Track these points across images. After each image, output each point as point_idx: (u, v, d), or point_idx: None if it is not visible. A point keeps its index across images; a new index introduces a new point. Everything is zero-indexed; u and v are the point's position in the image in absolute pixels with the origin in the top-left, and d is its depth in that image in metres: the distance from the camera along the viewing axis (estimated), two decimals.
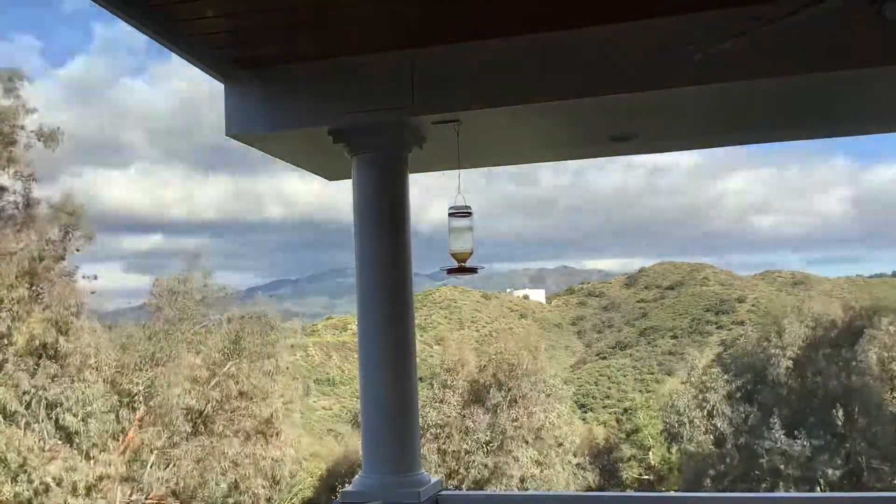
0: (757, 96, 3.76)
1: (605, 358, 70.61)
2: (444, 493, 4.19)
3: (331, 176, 4.96)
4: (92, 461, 17.20)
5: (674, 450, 33.13)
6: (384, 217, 4.02)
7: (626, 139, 4.29)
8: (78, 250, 18.18)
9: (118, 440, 18.56)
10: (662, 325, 72.08)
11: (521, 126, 4.11)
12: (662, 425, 34.60)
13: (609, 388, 64.25)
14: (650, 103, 3.72)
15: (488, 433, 25.96)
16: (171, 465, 19.22)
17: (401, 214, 4.03)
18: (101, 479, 16.98)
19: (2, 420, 15.95)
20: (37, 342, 16.68)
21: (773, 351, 27.76)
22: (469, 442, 25.67)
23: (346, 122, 3.88)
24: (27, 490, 15.46)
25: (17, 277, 16.32)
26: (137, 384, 18.72)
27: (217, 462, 19.81)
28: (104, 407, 17.63)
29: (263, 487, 21.03)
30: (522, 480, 25.99)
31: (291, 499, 25.72)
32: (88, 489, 16.77)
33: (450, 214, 3.88)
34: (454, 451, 25.76)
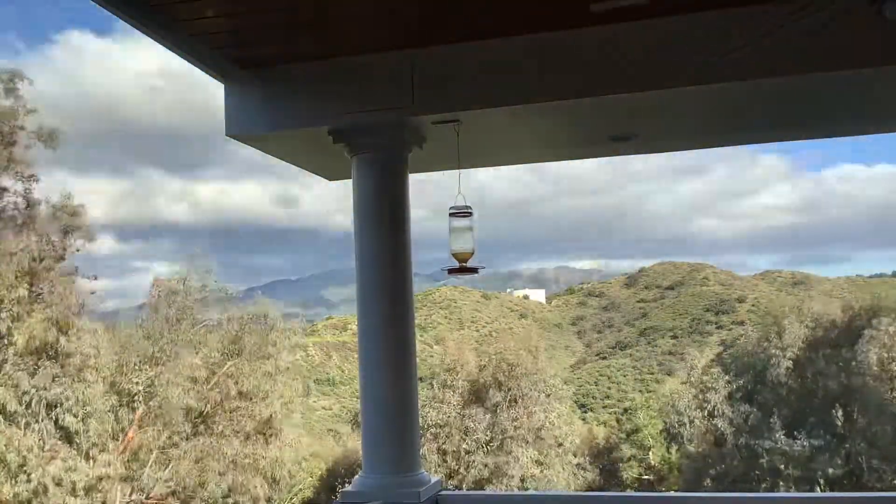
0: (757, 96, 3.76)
1: (605, 358, 70.64)
2: (444, 493, 4.19)
3: (331, 176, 4.96)
4: (92, 461, 17.20)
5: (674, 450, 33.15)
6: (384, 217, 4.02)
7: (626, 139, 4.30)
8: (78, 250, 18.19)
9: (118, 440, 18.56)
10: (662, 325, 72.11)
11: (521, 126, 4.10)
12: (662, 425, 34.63)
13: (609, 388, 64.28)
14: (650, 103, 3.72)
15: (488, 433, 25.97)
16: (170, 465, 19.23)
17: (401, 214, 4.03)
18: (100, 479, 16.98)
19: (2, 420, 15.95)
20: (37, 342, 16.67)
21: (773, 351, 27.78)
22: (469, 442, 25.68)
23: (346, 122, 3.88)
24: (27, 490, 15.46)
25: (17, 277, 16.31)
26: (137, 384, 18.72)
27: (217, 462, 19.81)
28: (104, 407, 17.63)
29: (263, 487, 21.04)
30: (522, 480, 25.99)
31: (291, 499, 25.73)
32: (88, 489, 16.77)
33: (450, 214, 3.88)
34: (454, 450, 25.77)
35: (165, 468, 19.18)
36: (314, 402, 51.90)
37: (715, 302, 71.81)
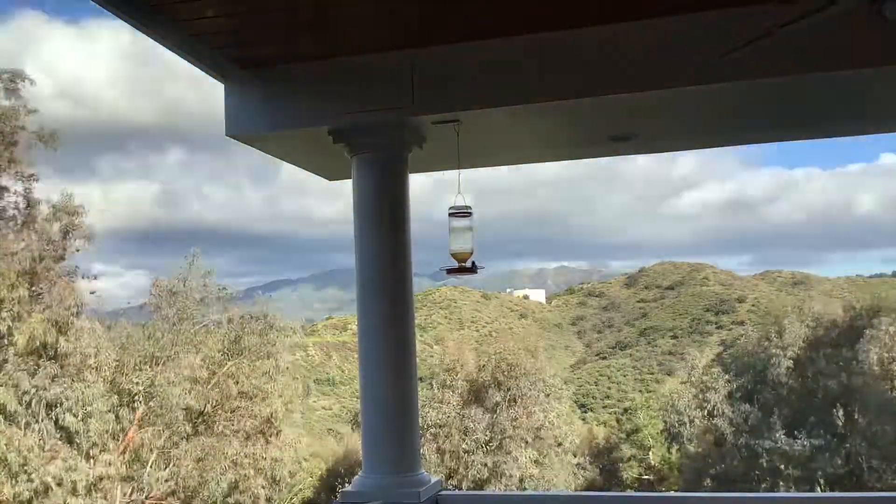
0: (757, 96, 3.76)
1: (605, 358, 70.66)
2: (443, 493, 4.19)
3: (331, 176, 4.96)
4: (92, 461, 17.19)
5: (674, 450, 33.17)
6: (384, 217, 4.02)
7: (626, 139, 4.30)
8: (78, 250, 18.18)
9: (118, 440, 18.56)
10: (662, 325, 72.13)
11: (521, 126, 4.11)
12: (662, 425, 34.65)
13: (609, 388, 64.30)
14: (650, 103, 3.72)
15: (488, 433, 25.96)
16: (171, 465, 19.22)
17: (401, 214, 4.03)
18: (101, 479, 16.97)
19: (2, 420, 15.94)
20: (37, 342, 16.66)
21: (773, 351, 27.78)
22: (468, 442, 25.67)
23: (346, 122, 3.88)
24: (27, 490, 15.46)
25: (17, 277, 16.31)
26: (137, 384, 18.71)
27: (217, 462, 19.80)
28: (104, 407, 17.61)
29: (263, 487, 21.03)
30: (522, 480, 25.99)
31: (291, 499, 25.72)
32: (88, 489, 16.77)
33: (450, 214, 3.88)
34: (454, 450, 25.76)
35: (166, 468, 19.18)
36: (314, 402, 51.90)
37: (715, 302, 71.84)
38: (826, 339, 27.63)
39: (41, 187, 17.72)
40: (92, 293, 18.56)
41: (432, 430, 25.65)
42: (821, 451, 25.16)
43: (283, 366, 22.09)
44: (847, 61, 3.26)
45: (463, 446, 25.67)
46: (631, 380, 64.51)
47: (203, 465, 19.71)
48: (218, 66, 3.84)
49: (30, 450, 15.64)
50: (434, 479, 4.10)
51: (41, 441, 16.27)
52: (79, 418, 16.97)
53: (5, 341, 16.50)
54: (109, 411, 17.92)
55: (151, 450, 18.91)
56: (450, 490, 5.14)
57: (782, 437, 25.84)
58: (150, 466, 18.81)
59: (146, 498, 18.75)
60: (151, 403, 18.89)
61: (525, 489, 25.07)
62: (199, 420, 20.23)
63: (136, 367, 19.16)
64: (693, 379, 31.62)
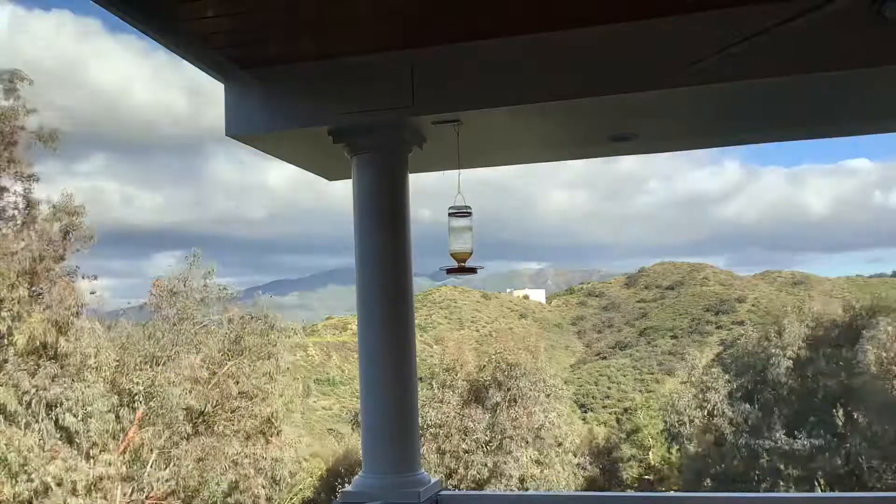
0: (757, 96, 3.76)
1: (605, 358, 70.66)
2: (443, 493, 4.19)
3: (331, 176, 4.96)
4: (92, 461, 17.20)
5: (674, 450, 33.18)
6: (384, 217, 4.02)
7: (626, 139, 4.30)
8: (78, 250, 18.19)
9: (118, 440, 18.56)
10: (662, 325, 72.15)
11: (521, 126, 4.10)
12: (662, 425, 34.67)
13: (609, 388, 64.30)
14: (650, 103, 3.72)
15: (488, 433, 25.96)
16: (171, 465, 19.22)
17: (401, 214, 4.03)
18: (101, 478, 16.97)
19: (2, 420, 15.94)
20: (37, 342, 16.66)
21: (773, 351, 27.79)
22: (468, 442, 25.67)
23: (346, 122, 3.88)
24: (27, 490, 15.46)
25: (17, 277, 16.31)
26: (137, 384, 18.71)
27: (217, 462, 19.81)
28: (104, 407, 17.61)
29: (263, 487, 21.03)
30: (522, 480, 25.99)
31: (291, 499, 25.71)
32: (88, 489, 16.77)
33: (450, 214, 3.88)
34: (453, 450, 25.76)
35: (166, 468, 19.18)
36: (314, 402, 51.84)
37: (715, 302, 71.87)
38: (826, 339, 27.63)
39: (41, 187, 17.75)
40: (92, 293, 18.59)
41: (432, 430, 25.65)
42: (821, 450, 25.15)
43: (283, 366, 22.10)
44: (847, 61, 3.26)
45: (463, 446, 25.67)
46: (631, 380, 64.52)
47: (203, 465, 19.71)
48: (218, 66, 3.84)
49: (30, 450, 15.64)
50: (434, 479, 4.10)
51: (41, 441, 16.27)
52: (79, 418, 16.97)
53: (5, 341, 16.51)
54: (109, 411, 17.92)
55: (151, 450, 18.91)
56: (450, 490, 5.14)
57: (782, 436, 25.85)
58: (151, 466, 18.81)
59: (146, 498, 18.76)
60: (152, 403, 18.89)
61: (526, 489, 25.08)
62: (200, 420, 20.23)
63: (137, 367, 19.17)
64: (693, 379, 31.62)
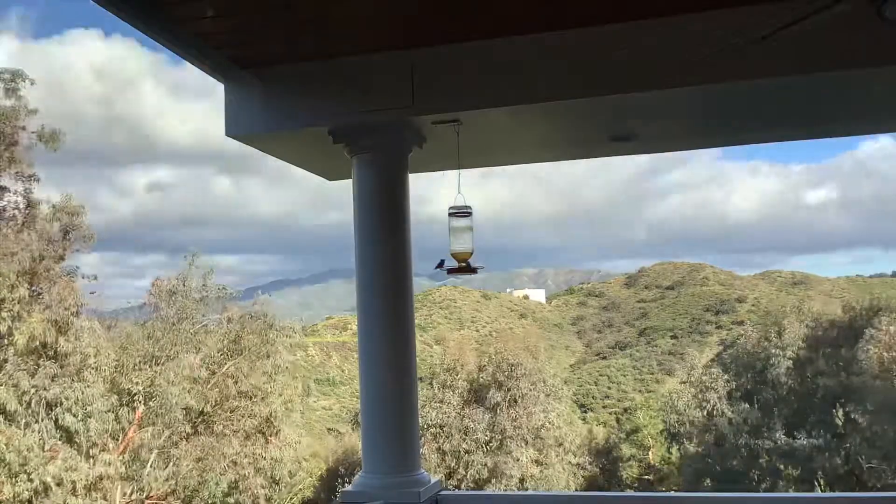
0: (757, 96, 3.76)
1: (605, 358, 70.64)
2: (443, 493, 4.19)
3: (331, 176, 4.96)
4: (92, 461, 17.20)
5: (674, 450, 33.19)
6: (384, 217, 4.02)
7: (626, 139, 4.29)
8: (78, 250, 18.20)
9: (118, 440, 18.56)
10: (662, 325, 72.14)
11: (521, 126, 4.10)
12: (662, 425, 34.68)
13: (609, 388, 64.28)
14: (650, 103, 3.72)
15: (488, 433, 25.97)
16: (170, 465, 19.23)
17: (401, 214, 4.03)
18: (100, 478, 16.97)
19: (2, 420, 15.94)
20: (37, 342, 16.67)
21: (772, 351, 27.80)
22: (469, 442, 25.68)
23: (346, 122, 3.88)
24: (27, 490, 15.45)
25: (17, 277, 16.31)
26: (137, 384, 18.72)
27: (216, 462, 19.82)
28: (104, 407, 17.62)
29: (263, 487, 21.04)
30: (522, 480, 26.00)
31: (291, 499, 25.72)
32: (88, 489, 16.77)
33: (450, 214, 3.88)
34: (454, 450, 25.77)
35: (165, 468, 19.18)
36: (314, 402, 51.86)
37: (715, 302, 71.86)
38: (826, 339, 27.64)
39: (41, 187, 17.76)
40: (92, 293, 18.59)
41: (432, 430, 25.66)
42: (821, 450, 25.16)
43: (282, 365, 22.10)
44: (847, 61, 3.26)
45: (463, 446, 25.68)
46: (631, 380, 64.51)
47: (203, 464, 19.72)
48: (218, 66, 3.83)
49: (30, 450, 15.63)
50: (434, 479, 4.09)
51: (41, 441, 16.27)
52: (79, 418, 16.97)
53: (5, 341, 16.50)
54: (109, 411, 17.93)
55: (151, 450, 18.92)
56: (450, 490, 5.13)
57: (782, 436, 25.86)
58: (150, 466, 18.82)
59: (146, 498, 18.77)
60: (151, 403, 18.89)
61: (526, 489, 25.08)
62: (199, 420, 20.24)
63: (136, 367, 19.17)
64: (693, 379, 31.64)
